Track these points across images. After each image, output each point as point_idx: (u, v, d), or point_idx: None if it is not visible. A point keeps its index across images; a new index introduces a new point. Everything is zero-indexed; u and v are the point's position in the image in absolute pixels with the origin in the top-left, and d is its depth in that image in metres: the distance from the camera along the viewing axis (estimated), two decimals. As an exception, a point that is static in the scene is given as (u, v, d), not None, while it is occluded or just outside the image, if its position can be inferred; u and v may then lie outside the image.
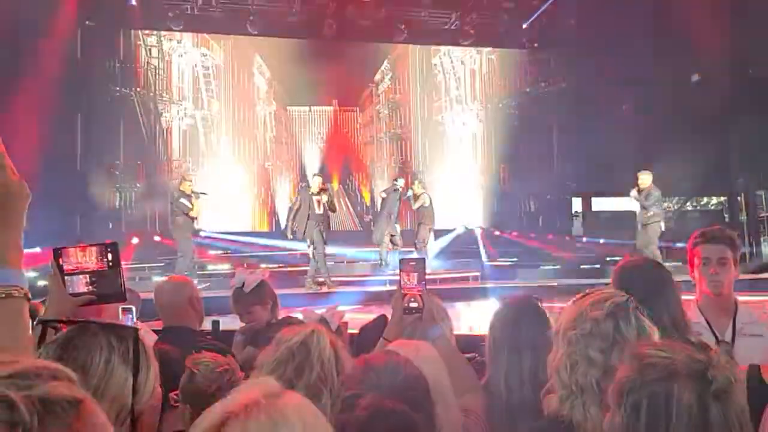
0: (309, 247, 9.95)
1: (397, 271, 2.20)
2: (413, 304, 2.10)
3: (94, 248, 1.35)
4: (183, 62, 14.76)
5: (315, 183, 10.13)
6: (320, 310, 2.53)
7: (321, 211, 9.76)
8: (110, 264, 1.35)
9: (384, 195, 11.35)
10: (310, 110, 15.29)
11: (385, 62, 15.82)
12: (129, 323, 2.77)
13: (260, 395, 0.89)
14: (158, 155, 14.42)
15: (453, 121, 16.08)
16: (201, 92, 14.89)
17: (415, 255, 9.78)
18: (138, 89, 14.07)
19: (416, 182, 11.73)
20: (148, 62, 14.36)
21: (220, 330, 3.52)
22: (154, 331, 3.17)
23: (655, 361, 1.21)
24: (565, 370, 1.51)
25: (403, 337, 2.06)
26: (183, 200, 9.98)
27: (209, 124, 14.86)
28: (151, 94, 14.26)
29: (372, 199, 15.11)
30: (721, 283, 2.47)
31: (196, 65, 14.77)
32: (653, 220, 10.07)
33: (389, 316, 2.28)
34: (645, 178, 10.08)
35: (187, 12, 13.43)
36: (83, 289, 1.34)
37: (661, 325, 2.03)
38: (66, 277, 1.32)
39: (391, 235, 10.89)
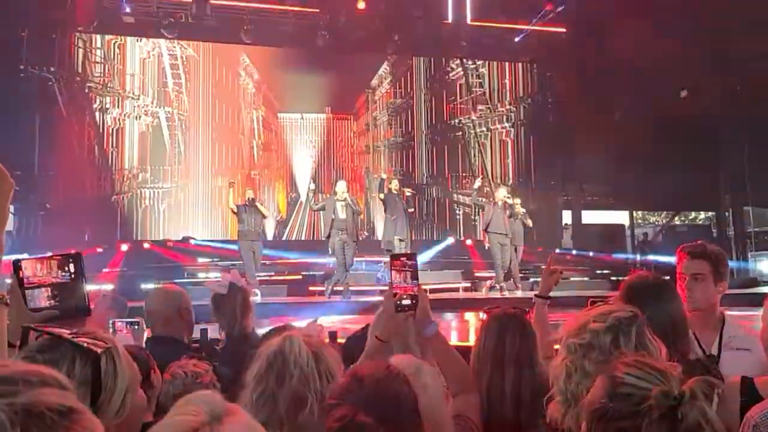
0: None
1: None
2: (405, 302, 2.03)
3: (55, 259, 1.28)
4: (142, 49, 12.96)
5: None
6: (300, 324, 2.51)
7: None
8: (72, 276, 1.28)
9: (382, 197, 10.97)
10: (302, 117, 14.73)
11: (384, 65, 15.13)
12: (138, 334, 2.75)
13: (202, 419, 0.82)
14: (100, 161, 12.13)
15: (471, 126, 15.11)
16: (169, 86, 13.12)
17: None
18: (55, 69, 11.47)
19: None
20: (87, 44, 12.29)
21: (208, 338, 3.50)
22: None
23: (628, 391, 1.19)
24: (562, 378, 1.53)
25: (396, 335, 2.04)
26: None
27: (176, 125, 13.20)
28: (82, 82, 12.01)
29: (367, 211, 14.41)
30: (694, 299, 2.48)
31: (161, 54, 13.11)
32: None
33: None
34: (502, 191, 10.72)
35: (182, 21, 12.85)
36: (44, 303, 1.27)
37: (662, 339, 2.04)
38: (26, 291, 1.25)
39: (400, 240, 10.45)
